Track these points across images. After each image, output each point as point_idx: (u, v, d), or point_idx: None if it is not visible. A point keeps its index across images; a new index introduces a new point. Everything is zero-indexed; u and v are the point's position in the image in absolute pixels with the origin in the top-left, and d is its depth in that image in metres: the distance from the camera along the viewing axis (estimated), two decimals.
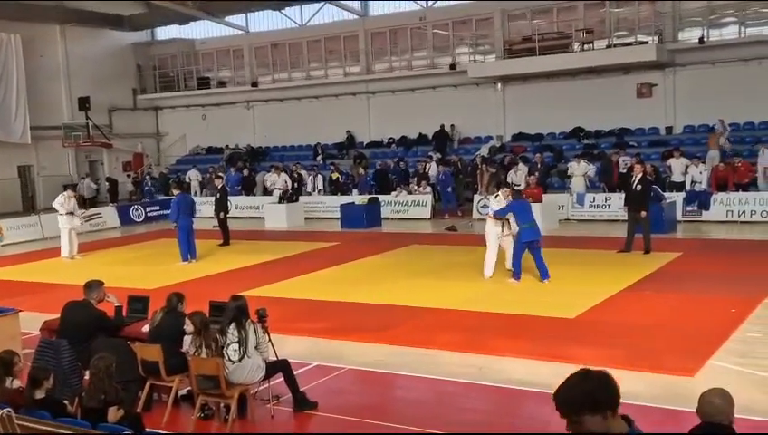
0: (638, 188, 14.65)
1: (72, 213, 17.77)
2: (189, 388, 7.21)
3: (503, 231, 12.57)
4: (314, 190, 24.85)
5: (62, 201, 17.75)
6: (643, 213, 14.48)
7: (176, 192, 17.21)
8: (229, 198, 20.54)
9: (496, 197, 12.89)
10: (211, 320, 7.45)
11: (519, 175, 20.95)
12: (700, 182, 19.02)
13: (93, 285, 7.95)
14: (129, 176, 31.10)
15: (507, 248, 12.68)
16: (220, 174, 22.57)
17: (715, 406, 3.98)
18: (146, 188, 29.01)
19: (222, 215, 18.39)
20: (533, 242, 12.05)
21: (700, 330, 9.28)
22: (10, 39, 28.61)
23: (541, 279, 12.13)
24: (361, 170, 24.83)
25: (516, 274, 12.25)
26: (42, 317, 9.12)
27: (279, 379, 7.24)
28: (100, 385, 5.64)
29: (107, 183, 30.56)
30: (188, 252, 16.21)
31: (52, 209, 18.85)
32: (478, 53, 27.68)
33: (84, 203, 27.26)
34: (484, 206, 21.30)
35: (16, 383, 5.70)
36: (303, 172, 25.83)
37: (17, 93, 28.88)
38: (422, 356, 8.86)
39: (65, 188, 18.80)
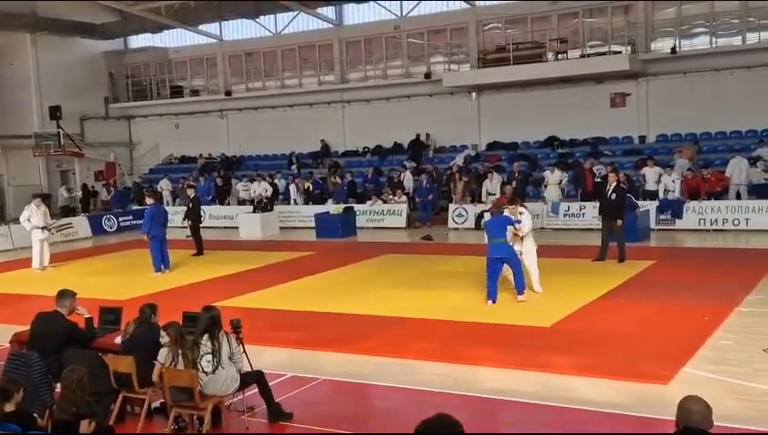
0: (613, 196, 14.75)
1: (45, 227, 17.42)
2: (163, 400, 7.11)
3: (521, 247, 11.85)
4: (300, 198, 24.73)
5: (29, 214, 17.42)
6: (618, 222, 14.59)
7: (149, 202, 17.01)
8: (203, 207, 20.44)
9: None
10: (185, 331, 7.36)
11: (494, 184, 21.04)
12: (673, 191, 19.23)
13: (66, 294, 7.82)
14: (104, 185, 30.76)
15: (530, 266, 11.98)
16: (192, 183, 22.39)
17: (695, 412, 4.01)
18: (107, 198, 28.83)
19: (195, 225, 18.23)
20: (501, 259, 11.30)
21: (674, 338, 9.34)
22: None
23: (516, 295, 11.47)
24: (337, 179, 24.78)
25: (490, 294, 11.42)
26: (11, 329, 8.94)
27: (254, 390, 7.16)
28: (72, 398, 5.53)
29: (80, 192, 30.16)
30: (161, 262, 16.04)
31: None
32: (453, 62, 27.82)
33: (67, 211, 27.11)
34: (460, 215, 21.46)
35: None
36: (281, 181, 25.73)
37: None
38: (398, 366, 8.82)
39: (34, 197, 18.43)
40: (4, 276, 16.87)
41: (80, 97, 31.90)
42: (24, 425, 5.35)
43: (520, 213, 11.88)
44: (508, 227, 11.48)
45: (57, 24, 30.65)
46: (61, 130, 29.70)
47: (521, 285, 11.46)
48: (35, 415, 5.77)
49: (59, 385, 6.28)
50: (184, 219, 18.66)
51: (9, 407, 5.49)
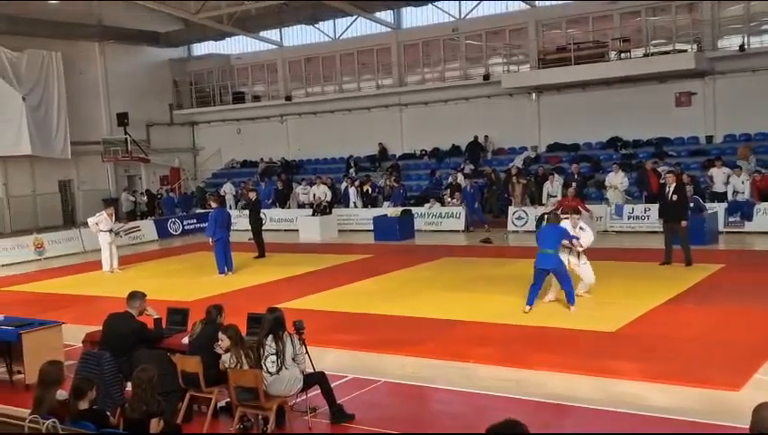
0: (674, 197, 14.38)
1: (111, 230, 17.99)
2: (228, 400, 7.25)
3: (578, 259, 11.46)
4: (359, 201, 24.89)
5: (98, 220, 17.93)
6: (683, 223, 14.22)
7: (214, 205, 17.43)
8: (264, 210, 20.76)
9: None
10: (250, 332, 7.48)
11: (555, 186, 20.76)
12: (743, 192, 18.63)
13: (137, 295, 8.04)
14: (172, 190, 31.58)
15: (585, 277, 11.65)
16: (253, 187, 22.79)
17: None
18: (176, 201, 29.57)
19: (257, 228, 18.52)
20: (547, 271, 10.85)
21: (745, 343, 9.06)
22: (51, 57, 29.32)
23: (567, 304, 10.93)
24: (394, 182, 24.84)
25: (529, 299, 11.06)
26: (83, 329, 9.26)
27: (316, 391, 7.24)
28: (143, 396, 5.68)
29: (146, 197, 30.97)
30: (225, 264, 16.35)
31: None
32: (512, 63, 27.57)
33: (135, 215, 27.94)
34: (519, 217, 21.23)
35: (63, 395, 5.77)
36: (344, 184, 25.90)
37: (58, 110, 29.55)
38: (458, 369, 8.79)
39: (106, 205, 19.04)
40: (75, 278, 17.46)
41: (146, 104, 32.84)
42: (98, 423, 5.51)
43: (581, 228, 11.34)
44: (563, 241, 10.91)
45: (124, 33, 31.66)
46: (128, 136, 30.66)
47: (572, 297, 10.94)
48: (108, 413, 5.95)
49: (130, 384, 6.47)
50: (251, 227, 18.80)
51: (83, 405, 5.68)
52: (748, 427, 4.05)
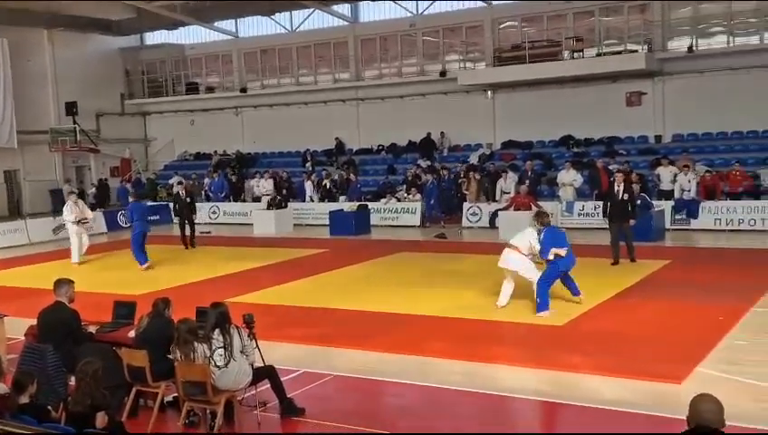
0: (625, 196, 14.61)
1: (80, 221, 17.60)
2: (176, 394, 7.15)
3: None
4: (316, 196, 24.76)
5: (67, 211, 17.61)
6: (632, 221, 14.48)
7: (131, 200, 17.73)
8: (217, 204, 20.50)
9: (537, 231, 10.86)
10: (198, 325, 7.38)
11: (509, 183, 20.97)
12: (689, 190, 19.09)
13: (63, 282, 7.85)
14: (122, 181, 30.92)
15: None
16: (181, 181, 22.51)
17: (707, 411, 3.98)
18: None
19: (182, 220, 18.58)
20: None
21: (687, 338, 9.30)
22: None
23: (572, 294, 11.05)
24: (351, 177, 24.80)
25: (544, 304, 10.54)
26: (27, 322, 9.01)
27: (266, 386, 7.19)
28: (88, 390, 5.57)
29: (94, 188, 30.30)
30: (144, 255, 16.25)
31: (37, 215, 18.73)
32: (468, 60, 27.74)
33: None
34: (474, 213, 21.40)
35: (3, 389, 5.62)
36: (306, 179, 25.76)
37: (4, 98, 28.69)
38: (411, 363, 8.83)
39: (70, 194, 18.72)
40: (19, 271, 17.01)
41: (96, 93, 32.10)
42: (38, 417, 5.39)
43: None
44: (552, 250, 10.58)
45: (73, 21, 30.82)
46: (77, 125, 29.90)
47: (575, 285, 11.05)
48: (49, 407, 5.82)
49: (74, 377, 6.33)
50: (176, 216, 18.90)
51: (23, 399, 5.56)
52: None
